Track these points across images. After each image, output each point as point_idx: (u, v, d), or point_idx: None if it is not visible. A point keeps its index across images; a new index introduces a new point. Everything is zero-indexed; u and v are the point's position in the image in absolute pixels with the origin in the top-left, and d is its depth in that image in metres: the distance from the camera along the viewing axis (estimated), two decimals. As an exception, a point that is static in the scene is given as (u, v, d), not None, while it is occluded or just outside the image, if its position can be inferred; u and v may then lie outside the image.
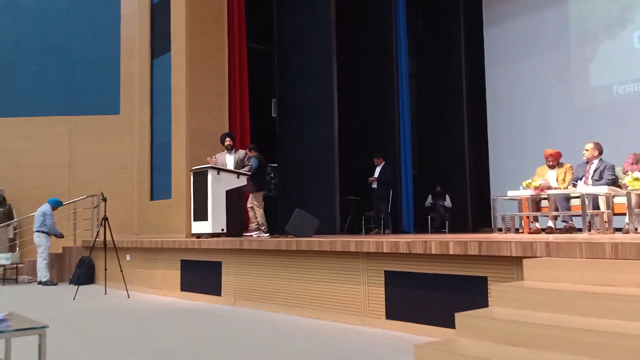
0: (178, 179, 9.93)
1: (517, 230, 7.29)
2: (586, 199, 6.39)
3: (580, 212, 6.50)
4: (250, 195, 8.97)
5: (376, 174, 10.60)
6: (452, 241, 4.63)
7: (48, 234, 9.88)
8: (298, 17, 11.12)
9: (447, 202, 12.14)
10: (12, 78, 11.82)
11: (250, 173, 8.67)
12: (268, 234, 8.78)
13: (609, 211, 6.44)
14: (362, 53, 12.22)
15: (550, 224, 7.25)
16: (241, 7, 10.92)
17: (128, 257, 9.10)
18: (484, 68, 12.68)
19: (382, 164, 10.66)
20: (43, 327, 2.96)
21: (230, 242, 7.13)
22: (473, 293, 4.51)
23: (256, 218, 8.92)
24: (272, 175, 12.56)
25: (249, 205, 9.03)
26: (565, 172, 7.53)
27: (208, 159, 8.78)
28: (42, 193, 11.08)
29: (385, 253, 5.20)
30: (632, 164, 6.86)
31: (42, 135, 11.63)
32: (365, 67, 12.13)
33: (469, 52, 12.63)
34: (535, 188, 7.05)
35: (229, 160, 8.68)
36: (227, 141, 8.78)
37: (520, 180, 7.52)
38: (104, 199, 8.31)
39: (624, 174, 6.85)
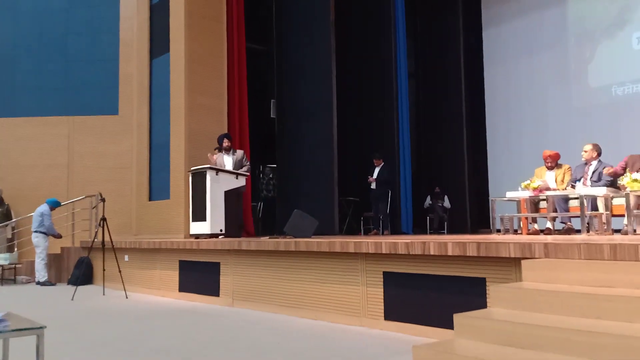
0: (176, 180, 9.93)
1: (515, 232, 7.30)
2: (585, 200, 6.40)
3: (578, 213, 6.51)
4: None
5: (375, 175, 10.61)
6: (450, 242, 4.63)
7: (46, 234, 9.88)
8: (297, 18, 11.12)
9: (446, 203, 12.15)
10: (10, 78, 11.81)
11: (248, 174, 8.68)
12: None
13: (608, 212, 6.45)
14: (361, 53, 12.23)
15: (549, 225, 7.27)
16: (240, 8, 10.92)
17: (126, 258, 9.10)
18: (483, 68, 12.69)
19: (381, 165, 10.67)
20: (41, 328, 2.96)
21: (228, 242, 7.13)
22: (471, 294, 4.51)
23: None
24: (270, 176, 12.57)
25: None
26: (564, 173, 7.54)
27: (209, 155, 8.78)
28: (40, 193, 11.07)
29: (384, 254, 5.20)
30: (626, 166, 6.83)
31: (41, 135, 11.62)
32: (364, 67, 12.14)
33: (467, 52, 12.64)
34: (534, 189, 7.06)
35: (227, 161, 8.68)
36: (226, 142, 8.77)
37: (518, 181, 7.54)
38: (103, 200, 8.31)
39: (611, 175, 6.85)
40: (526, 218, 7.41)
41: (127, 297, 8.04)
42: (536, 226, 7.37)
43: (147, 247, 8.68)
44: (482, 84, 12.69)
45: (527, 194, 7.15)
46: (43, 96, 11.73)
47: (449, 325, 4.25)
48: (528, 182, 7.16)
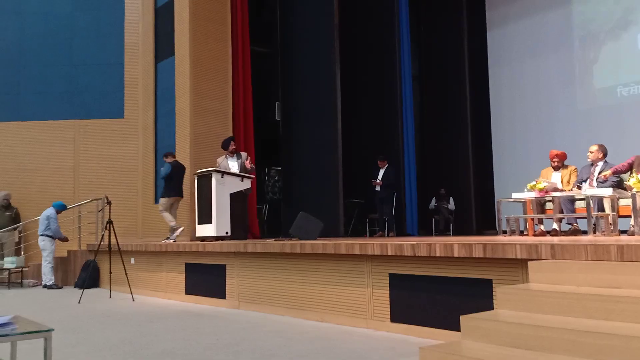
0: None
1: (521, 233, 7.27)
2: (591, 201, 6.37)
3: (585, 214, 6.48)
4: (165, 200, 9.26)
5: (380, 177, 10.59)
6: (456, 243, 4.62)
7: (52, 237, 9.90)
8: (301, 21, 11.13)
9: (451, 205, 12.12)
10: (16, 82, 11.86)
11: (254, 175, 8.71)
12: (172, 238, 9.02)
13: (614, 213, 6.42)
14: (365, 56, 12.23)
15: (555, 226, 7.24)
16: (244, 11, 10.95)
17: (132, 261, 9.11)
18: (487, 70, 12.66)
19: (386, 167, 10.65)
20: (48, 330, 2.97)
21: (234, 245, 7.13)
22: (478, 295, 4.50)
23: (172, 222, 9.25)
24: (276, 178, 12.58)
25: (159, 209, 9.39)
26: (570, 174, 7.51)
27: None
28: (47, 197, 11.11)
29: (390, 256, 5.19)
30: (633, 166, 6.78)
31: (47, 139, 11.66)
32: (369, 70, 12.13)
33: (472, 54, 12.62)
34: (540, 190, 7.03)
35: (232, 164, 8.71)
36: (232, 145, 8.83)
37: (524, 182, 7.51)
38: (109, 203, 8.32)
39: (612, 173, 6.81)
40: (532, 219, 7.38)
41: (133, 300, 8.05)
42: (542, 227, 7.33)
43: (153, 250, 8.69)
44: (486, 85, 12.65)
45: (533, 195, 7.13)
46: (49, 100, 11.78)
47: (455, 327, 4.24)
48: (534, 183, 7.14)
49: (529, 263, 4.02)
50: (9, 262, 9.99)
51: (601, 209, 6.58)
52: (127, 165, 11.52)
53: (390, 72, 11.67)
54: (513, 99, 12.13)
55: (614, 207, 6.48)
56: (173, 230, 9.09)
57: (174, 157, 9.50)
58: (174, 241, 8.80)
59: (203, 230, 8.28)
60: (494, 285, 4.40)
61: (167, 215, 9.17)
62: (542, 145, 10.80)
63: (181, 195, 9.39)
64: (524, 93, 11.92)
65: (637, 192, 6.05)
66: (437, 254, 4.73)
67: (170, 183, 9.23)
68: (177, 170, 9.35)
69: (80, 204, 10.93)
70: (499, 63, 12.47)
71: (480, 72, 12.67)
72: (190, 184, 9.44)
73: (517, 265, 4.26)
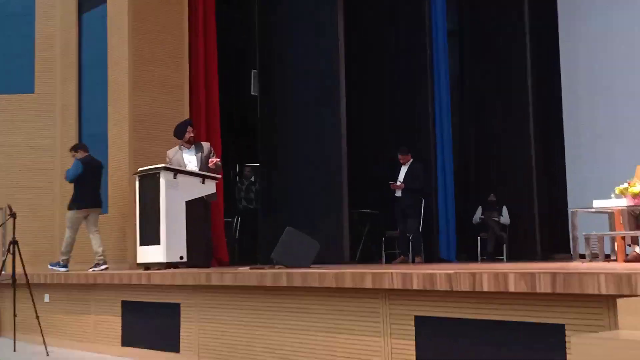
0: (117, 185, 9.94)
1: (607, 258, 7.24)
2: None
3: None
4: (73, 213, 9.37)
5: (401, 177, 10.58)
6: (512, 273, 4.59)
7: None
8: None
9: (504, 218, 12.11)
10: None
11: (220, 175, 8.71)
12: (103, 266, 9.12)
13: None
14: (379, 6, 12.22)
15: (657, 248, 7.23)
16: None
17: (47, 298, 9.09)
18: (557, 26, 12.60)
19: (410, 162, 10.64)
20: None
21: (192, 275, 7.10)
22: (544, 347, 4.50)
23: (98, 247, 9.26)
24: (252, 179, 12.56)
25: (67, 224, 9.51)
26: (679, 173, 7.50)
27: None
28: None
29: (416, 290, 5.17)
30: None
31: None
32: (385, 18, 12.10)
33: (535, 11, 12.50)
34: (635, 195, 6.98)
35: (189, 158, 8.67)
36: (190, 132, 8.79)
37: (608, 187, 7.47)
38: (12, 215, 8.29)
39: None
40: (623, 238, 7.35)
41: (47, 355, 8.01)
42: (637, 250, 7.31)
43: (76, 282, 8.67)
44: (556, 51, 12.59)
45: (624, 202, 7.09)
46: None
47: (511, 393, 4.21)
48: (626, 185, 7.10)
49: (619, 301, 3.99)
50: None
51: None
52: (39, 159, 11.48)
53: (416, 27, 11.66)
54: (594, 77, 12.02)
55: None
56: (59, 262, 9.34)
57: (87, 151, 9.45)
58: (66, 270, 9.09)
59: (147, 254, 8.27)
60: (567, 332, 4.39)
61: (68, 237, 9.31)
62: (632, 141, 10.77)
63: (99, 206, 9.38)
64: (609, 69, 11.83)
65: None
66: (485, 289, 4.71)
67: (82, 189, 9.22)
68: (92, 169, 9.32)
69: (-30, 217, 10.89)
70: (574, 21, 12.36)
71: (548, 30, 12.60)
72: (129, 187, 9.41)
73: (601, 305, 4.25)
